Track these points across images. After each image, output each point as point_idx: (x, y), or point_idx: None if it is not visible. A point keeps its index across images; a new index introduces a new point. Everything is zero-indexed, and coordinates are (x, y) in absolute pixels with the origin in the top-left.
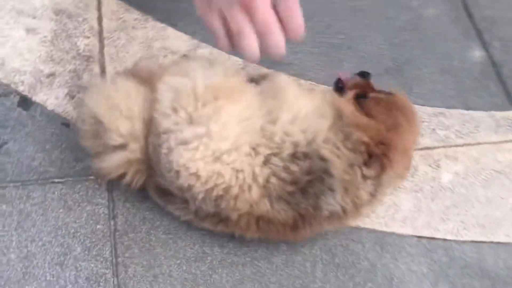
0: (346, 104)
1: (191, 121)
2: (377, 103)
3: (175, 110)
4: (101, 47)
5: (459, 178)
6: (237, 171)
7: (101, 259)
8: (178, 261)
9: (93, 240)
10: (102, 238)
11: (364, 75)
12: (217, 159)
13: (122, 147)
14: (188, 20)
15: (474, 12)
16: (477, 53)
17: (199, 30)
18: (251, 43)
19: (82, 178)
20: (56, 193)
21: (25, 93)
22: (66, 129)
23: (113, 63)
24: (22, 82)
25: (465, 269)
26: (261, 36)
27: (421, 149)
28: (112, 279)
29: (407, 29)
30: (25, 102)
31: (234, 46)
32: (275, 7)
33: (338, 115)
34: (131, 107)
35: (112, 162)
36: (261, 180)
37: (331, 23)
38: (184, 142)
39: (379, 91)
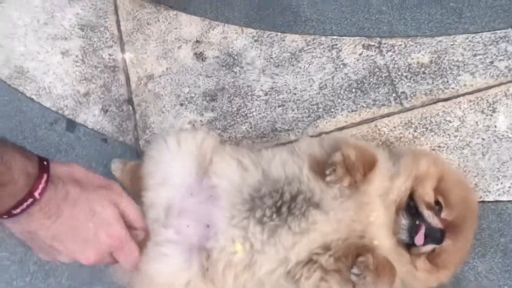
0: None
1: None
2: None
3: None
4: (122, 51)
5: None
6: None
7: None
8: None
9: None
10: None
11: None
12: None
13: None
14: (197, 1)
15: None
16: None
17: (209, 8)
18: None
19: None
20: None
21: (70, 116)
22: (105, 145)
23: (134, 68)
24: (66, 106)
25: None
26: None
27: (471, 93)
28: None
29: None
30: (71, 125)
31: None
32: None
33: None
34: None
35: None
36: None
37: None
38: None
39: None
